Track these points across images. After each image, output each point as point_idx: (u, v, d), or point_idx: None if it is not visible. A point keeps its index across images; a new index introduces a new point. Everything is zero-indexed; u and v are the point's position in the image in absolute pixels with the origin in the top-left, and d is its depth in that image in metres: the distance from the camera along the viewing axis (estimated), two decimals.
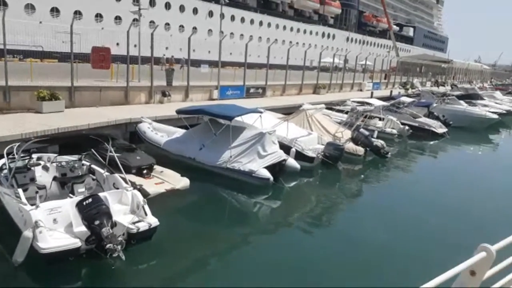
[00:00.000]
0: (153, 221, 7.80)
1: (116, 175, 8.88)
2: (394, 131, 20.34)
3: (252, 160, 11.93)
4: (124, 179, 8.67)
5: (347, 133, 17.18)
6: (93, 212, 7.04)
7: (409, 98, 24.67)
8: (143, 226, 7.59)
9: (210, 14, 59.77)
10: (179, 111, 13.36)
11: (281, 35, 73.59)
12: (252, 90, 25.33)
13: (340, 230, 10.37)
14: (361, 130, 16.82)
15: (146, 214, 7.90)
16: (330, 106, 24.28)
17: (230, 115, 12.11)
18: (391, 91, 35.82)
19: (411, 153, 19.74)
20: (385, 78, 45.27)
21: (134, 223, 7.60)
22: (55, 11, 42.17)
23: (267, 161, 11.97)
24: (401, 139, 20.88)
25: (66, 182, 9.10)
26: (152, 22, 51.26)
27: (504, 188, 14.91)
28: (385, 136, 20.03)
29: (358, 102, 24.57)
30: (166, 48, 45.99)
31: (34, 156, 10.08)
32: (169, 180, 11.22)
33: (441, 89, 42.40)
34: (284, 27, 75.77)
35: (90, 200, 7.23)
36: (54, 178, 9.34)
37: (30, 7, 40.28)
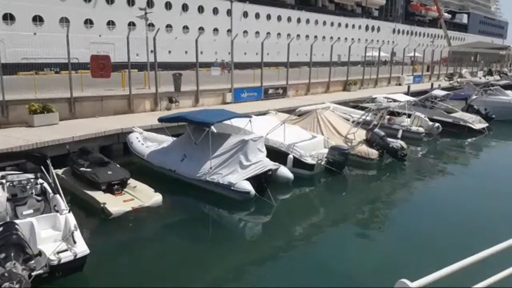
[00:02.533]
0: (81, 250, 6.82)
1: (57, 196, 8.02)
2: (421, 130, 18.17)
3: (233, 171, 10.70)
4: (63, 200, 7.82)
5: (362, 134, 15.50)
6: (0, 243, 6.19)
7: (442, 91, 22.19)
8: (66, 257, 6.62)
9: (245, 14, 59.04)
10: (160, 119, 12.42)
11: (321, 31, 71.40)
12: (271, 91, 24.05)
13: (335, 258, 8.29)
14: (376, 130, 15.03)
15: (75, 242, 6.94)
16: (357, 103, 22.49)
17: (208, 121, 10.93)
18: (432, 84, 33.01)
19: (439, 154, 17.49)
20: (427, 70, 42.09)
21: (58, 253, 6.69)
22: (89, 23, 43.18)
23: (250, 172, 10.68)
24: (431, 138, 18.66)
25: (13, 203, 8.43)
26: (185, 27, 51.57)
27: None
28: (411, 135, 18.01)
29: (386, 98, 22.54)
30: (201, 52, 46.04)
31: None
32: (139, 196, 10.32)
33: (491, 79, 38.64)
34: (324, 23, 73.45)
35: (0, 229, 6.40)
36: (8, 199, 8.69)
37: (64, 20, 41.40)
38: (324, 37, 70.42)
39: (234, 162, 10.78)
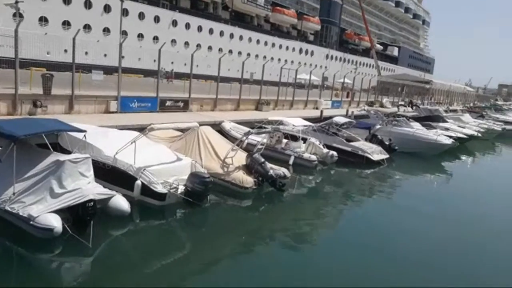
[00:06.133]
0: None
1: None
2: (313, 157, 16.78)
3: (40, 200, 8.33)
4: None
5: (243, 159, 13.74)
6: None
7: (344, 118, 21.26)
8: None
9: (174, 23, 56.78)
10: None
11: (254, 49, 70.78)
12: (169, 103, 21.83)
13: None
14: (256, 155, 13.34)
15: None
16: (261, 125, 20.85)
17: (13, 134, 8.49)
18: (347, 110, 32.61)
19: (328, 185, 16.11)
20: (347, 96, 42.18)
21: None
22: None
23: (61, 203, 8.35)
24: (325, 167, 17.37)
25: None
26: (140, 34, 48.19)
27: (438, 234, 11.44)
28: (303, 162, 16.62)
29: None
30: (139, 59, 42.63)
31: None
32: None
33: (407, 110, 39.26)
34: (258, 41, 72.85)
35: None
36: None
37: None
38: (257, 56, 69.85)
39: (43, 188, 8.41)
